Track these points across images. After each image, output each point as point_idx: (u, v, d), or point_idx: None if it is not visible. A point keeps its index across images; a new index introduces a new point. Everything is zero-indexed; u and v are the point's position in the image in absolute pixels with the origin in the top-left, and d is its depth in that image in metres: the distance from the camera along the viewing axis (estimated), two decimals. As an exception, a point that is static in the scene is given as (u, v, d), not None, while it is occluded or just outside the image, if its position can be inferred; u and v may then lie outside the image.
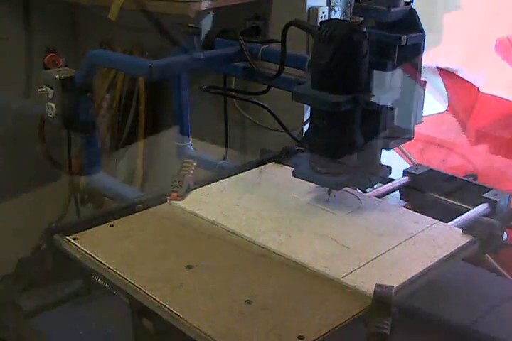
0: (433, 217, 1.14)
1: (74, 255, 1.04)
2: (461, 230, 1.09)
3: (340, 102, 1.05)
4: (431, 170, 1.32)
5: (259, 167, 1.35)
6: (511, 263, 1.36)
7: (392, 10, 1.08)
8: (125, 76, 2.05)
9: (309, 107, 1.20)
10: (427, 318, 1.11)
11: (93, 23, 2.16)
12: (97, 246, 1.05)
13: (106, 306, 1.14)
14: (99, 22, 1.89)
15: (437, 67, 2.55)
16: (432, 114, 2.31)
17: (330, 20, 1.59)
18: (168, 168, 1.61)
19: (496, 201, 1.19)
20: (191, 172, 1.23)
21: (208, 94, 1.52)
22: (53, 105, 1.43)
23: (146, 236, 1.09)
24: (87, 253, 1.03)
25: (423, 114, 1.20)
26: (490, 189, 1.23)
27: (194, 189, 1.23)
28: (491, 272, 1.29)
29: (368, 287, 0.91)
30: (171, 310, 0.89)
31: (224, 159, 1.62)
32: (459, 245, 1.05)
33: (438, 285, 1.06)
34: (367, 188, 1.28)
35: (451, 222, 1.13)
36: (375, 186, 1.30)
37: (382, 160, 1.20)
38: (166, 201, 1.19)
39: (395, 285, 0.91)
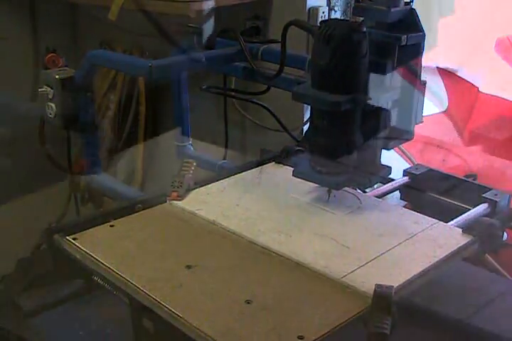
0: (433, 217, 1.14)
1: (74, 255, 1.04)
2: (461, 230, 1.09)
3: (340, 102, 1.05)
4: (431, 170, 1.32)
5: (259, 167, 1.35)
6: (511, 263, 1.36)
7: (392, 10, 1.08)
8: (125, 76, 2.05)
9: (309, 107, 1.20)
10: (422, 312, 1.11)
11: (93, 23, 2.16)
12: (97, 246, 1.05)
13: (106, 306, 1.14)
14: (100, 22, 1.89)
15: (437, 67, 2.55)
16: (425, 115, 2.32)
17: (330, 20, 1.59)
18: (168, 168, 1.61)
19: (496, 201, 1.19)
20: (191, 172, 1.23)
21: (208, 94, 1.52)
22: (53, 105, 1.43)
23: (146, 236, 1.09)
24: (87, 253, 1.03)
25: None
26: (490, 189, 1.22)
27: (194, 189, 1.23)
28: (491, 272, 1.29)
29: (368, 287, 0.91)
30: (171, 310, 0.89)
31: (224, 159, 1.62)
32: (459, 245, 1.06)
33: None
34: (367, 188, 1.28)
35: (451, 222, 1.13)
36: (375, 186, 1.30)
37: (382, 160, 1.20)
38: (166, 201, 1.19)
39: (395, 285, 0.91)
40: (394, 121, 1.19)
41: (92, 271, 1.02)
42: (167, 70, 1.35)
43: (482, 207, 1.19)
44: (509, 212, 1.21)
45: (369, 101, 1.08)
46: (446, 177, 1.31)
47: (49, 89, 1.43)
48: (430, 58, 2.30)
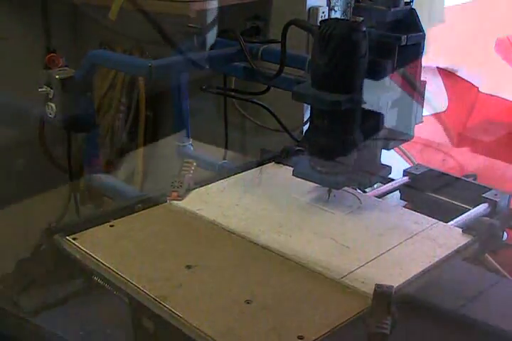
0: (433, 217, 1.14)
1: (74, 255, 1.04)
2: (461, 230, 1.09)
3: (340, 101, 1.05)
4: (431, 170, 1.32)
5: (259, 167, 1.35)
6: (511, 263, 1.36)
7: (392, 10, 1.08)
8: (125, 76, 2.05)
9: (309, 107, 1.20)
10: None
11: (93, 24, 2.16)
12: (97, 246, 1.05)
13: (106, 306, 1.14)
14: (100, 22, 1.88)
15: (437, 67, 2.55)
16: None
17: (330, 19, 1.59)
18: (168, 168, 1.61)
19: (496, 201, 1.19)
20: (191, 172, 1.23)
21: (208, 94, 1.52)
22: (53, 105, 1.43)
23: (146, 236, 1.09)
24: (87, 253, 1.03)
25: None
26: (490, 189, 1.23)
27: (194, 189, 1.23)
28: (491, 272, 1.29)
29: (368, 287, 0.91)
30: (171, 310, 0.89)
31: (224, 159, 1.62)
32: (459, 245, 1.06)
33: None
34: (367, 188, 1.28)
35: (451, 222, 1.13)
36: (375, 186, 1.30)
37: (382, 160, 1.20)
38: (166, 201, 1.19)
39: (395, 285, 0.91)
40: (394, 121, 1.19)
41: (92, 271, 1.02)
42: (167, 70, 1.35)
43: (482, 207, 1.19)
44: (509, 212, 1.21)
45: (369, 101, 1.08)
46: (446, 177, 1.31)
47: (49, 89, 1.43)
48: (430, 58, 2.31)
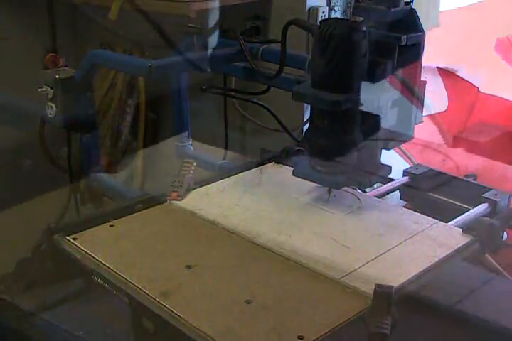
0: (433, 217, 1.14)
1: (74, 255, 1.04)
2: (461, 230, 1.09)
3: (340, 101, 1.05)
4: (431, 170, 1.32)
5: (259, 167, 1.35)
6: (511, 263, 1.36)
7: (392, 10, 1.08)
8: (125, 76, 2.05)
9: (309, 107, 1.20)
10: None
11: (93, 23, 2.16)
12: (97, 246, 1.05)
13: (106, 306, 1.14)
14: (100, 22, 1.88)
15: (437, 67, 2.55)
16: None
17: (330, 19, 1.59)
18: (168, 168, 1.61)
19: (496, 201, 1.19)
20: (191, 172, 1.23)
21: (208, 94, 1.52)
22: (53, 105, 1.43)
23: (146, 236, 1.09)
24: (87, 253, 1.03)
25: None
26: (490, 189, 1.23)
27: (194, 189, 1.23)
28: (491, 272, 1.29)
29: (368, 287, 0.91)
30: (170, 310, 0.89)
31: (224, 159, 1.62)
32: (459, 245, 1.06)
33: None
34: (367, 188, 1.28)
35: (451, 222, 1.13)
36: (375, 186, 1.30)
37: (382, 160, 1.20)
38: (166, 201, 1.19)
39: (395, 285, 0.91)
40: (394, 120, 1.19)
41: (92, 271, 1.02)
42: (167, 70, 1.35)
43: (482, 207, 1.19)
44: (509, 212, 1.21)
45: (369, 101, 1.08)
46: (446, 177, 1.31)
47: (49, 89, 1.43)
48: (430, 58, 2.31)
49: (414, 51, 1.12)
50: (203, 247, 1.06)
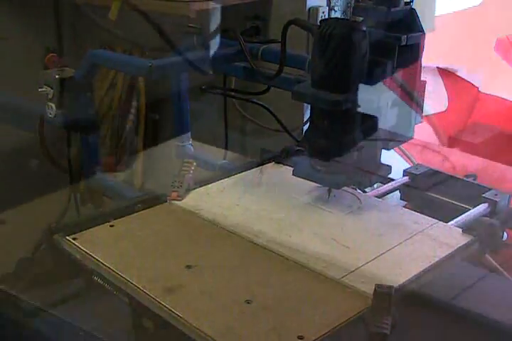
0: (433, 217, 1.14)
1: (74, 255, 1.04)
2: (461, 230, 1.09)
3: (341, 101, 1.05)
4: (431, 170, 1.32)
5: (259, 167, 1.35)
6: (511, 263, 1.36)
7: (392, 10, 1.08)
8: (125, 76, 2.05)
9: (309, 107, 1.20)
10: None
11: (93, 23, 2.16)
12: (97, 246, 1.05)
13: (106, 306, 1.14)
14: (100, 22, 1.88)
15: (437, 67, 2.55)
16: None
17: (330, 19, 1.59)
18: (168, 168, 1.61)
19: (496, 201, 1.19)
20: (191, 172, 1.23)
21: (207, 94, 1.52)
22: (53, 105, 1.43)
23: (146, 236, 1.09)
24: (87, 253, 1.03)
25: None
26: (490, 189, 1.23)
27: (194, 189, 1.23)
28: (491, 272, 1.29)
29: (368, 287, 0.91)
30: (171, 310, 0.89)
31: (224, 159, 1.62)
32: (459, 245, 1.06)
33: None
34: (367, 188, 1.28)
35: (451, 222, 1.13)
36: (375, 186, 1.30)
37: (382, 160, 1.20)
38: (166, 201, 1.19)
39: (395, 285, 0.91)
40: (393, 120, 1.19)
41: (92, 271, 1.02)
42: (167, 70, 1.35)
43: (482, 207, 1.19)
44: (509, 212, 1.21)
45: (369, 101, 1.08)
46: (446, 177, 1.31)
47: (49, 89, 1.42)
48: (430, 58, 2.31)
49: (414, 51, 1.12)
50: (203, 247, 1.06)
